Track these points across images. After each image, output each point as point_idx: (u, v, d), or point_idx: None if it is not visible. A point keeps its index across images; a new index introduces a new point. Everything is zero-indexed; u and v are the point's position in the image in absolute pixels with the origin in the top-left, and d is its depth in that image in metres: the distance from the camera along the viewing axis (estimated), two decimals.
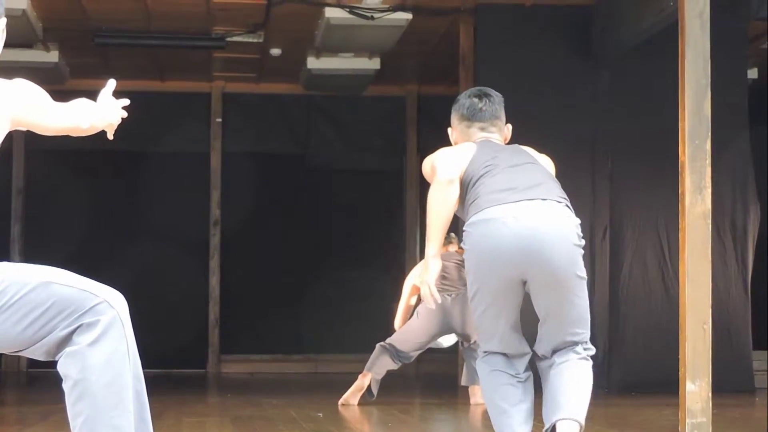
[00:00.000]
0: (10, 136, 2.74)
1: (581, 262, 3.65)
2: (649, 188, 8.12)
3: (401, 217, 11.25)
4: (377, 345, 6.97)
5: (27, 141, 10.51)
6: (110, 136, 2.80)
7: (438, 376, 9.61)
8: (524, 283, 3.65)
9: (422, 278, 3.76)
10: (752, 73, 9.42)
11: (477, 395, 6.96)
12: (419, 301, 6.94)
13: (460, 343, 7.28)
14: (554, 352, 3.72)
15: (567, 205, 3.68)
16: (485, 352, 3.78)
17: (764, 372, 8.75)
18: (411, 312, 7.05)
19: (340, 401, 6.98)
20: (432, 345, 7.03)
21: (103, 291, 2.57)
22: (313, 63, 9.47)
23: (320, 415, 6.33)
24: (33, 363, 9.51)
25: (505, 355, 3.74)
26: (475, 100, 3.95)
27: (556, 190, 3.70)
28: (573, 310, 3.66)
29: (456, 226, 5.87)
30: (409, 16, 8.20)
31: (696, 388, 5.13)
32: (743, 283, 8.31)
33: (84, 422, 2.52)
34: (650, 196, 8.14)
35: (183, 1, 8.16)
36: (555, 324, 3.68)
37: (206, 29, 8.91)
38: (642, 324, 8.18)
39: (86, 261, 9.79)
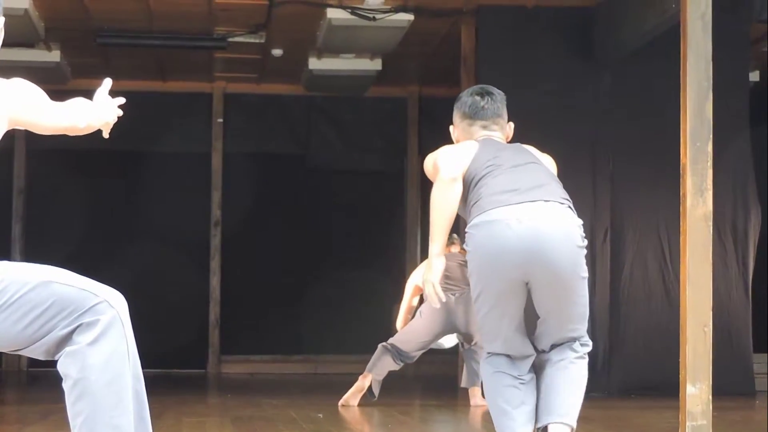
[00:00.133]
0: (11, 135, 2.74)
1: (584, 263, 3.66)
2: (650, 190, 8.11)
3: (402, 218, 11.25)
4: (379, 345, 6.96)
5: (28, 141, 10.51)
6: (106, 135, 2.80)
7: (438, 378, 9.61)
8: (527, 284, 3.65)
9: (426, 277, 3.76)
10: (754, 76, 9.41)
11: (477, 397, 6.95)
12: (421, 301, 6.95)
13: (460, 345, 7.28)
14: (552, 347, 3.73)
15: (569, 207, 3.68)
16: (489, 353, 3.78)
17: (765, 375, 8.75)
18: (413, 313, 7.06)
19: (341, 402, 6.97)
20: (433, 346, 7.02)
21: (103, 291, 2.58)
22: (314, 64, 9.47)
23: (320, 415, 6.33)
24: (33, 362, 9.52)
25: (508, 356, 3.74)
26: (477, 98, 3.95)
27: (559, 191, 3.70)
28: (574, 309, 3.67)
29: (457, 227, 5.86)
30: (410, 17, 8.20)
31: (696, 390, 5.13)
32: (744, 286, 8.31)
33: (84, 422, 2.52)
34: (651, 198, 8.14)
35: (184, 1, 8.16)
36: (555, 322, 3.69)
37: (208, 29, 8.91)
38: (642, 326, 8.18)
39: (87, 261, 9.80)
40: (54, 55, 9.28)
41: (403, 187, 11.27)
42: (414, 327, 6.89)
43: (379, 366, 6.92)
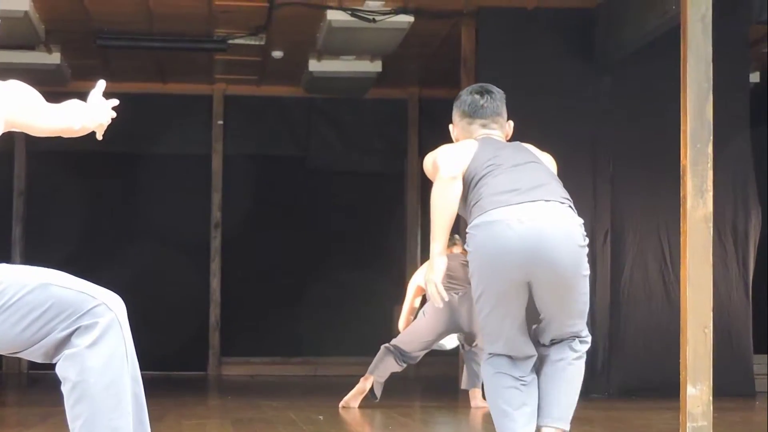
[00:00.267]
0: (11, 137, 2.75)
1: (586, 262, 3.67)
2: (651, 192, 8.12)
3: (402, 220, 11.25)
4: (381, 347, 6.95)
5: (28, 142, 10.51)
6: (99, 137, 2.80)
7: (438, 379, 9.61)
8: (528, 283, 3.65)
9: (428, 277, 3.76)
10: (754, 77, 9.42)
11: (477, 398, 6.95)
12: (424, 301, 6.94)
13: (461, 346, 7.28)
14: (552, 342, 3.73)
15: (570, 206, 3.68)
16: (490, 354, 3.78)
17: (765, 376, 8.75)
18: (415, 313, 7.05)
19: (341, 404, 6.97)
20: (435, 347, 7.02)
21: (101, 293, 2.58)
22: (314, 65, 9.48)
23: (320, 417, 6.33)
24: (33, 365, 9.52)
25: (509, 357, 3.74)
26: (477, 96, 3.95)
27: (559, 190, 3.70)
28: (576, 306, 3.69)
29: (457, 228, 5.86)
30: (410, 18, 8.20)
31: (697, 391, 5.13)
32: (744, 287, 8.31)
33: (83, 424, 2.52)
34: (651, 200, 8.14)
35: (185, 3, 8.16)
36: (557, 319, 3.70)
37: (208, 31, 8.91)
38: (643, 327, 8.18)
39: (87, 262, 9.83)
40: (54, 57, 9.28)
41: (404, 189, 11.27)
42: (417, 327, 6.88)
43: (381, 368, 6.92)
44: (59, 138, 2.83)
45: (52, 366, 2.58)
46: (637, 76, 8.17)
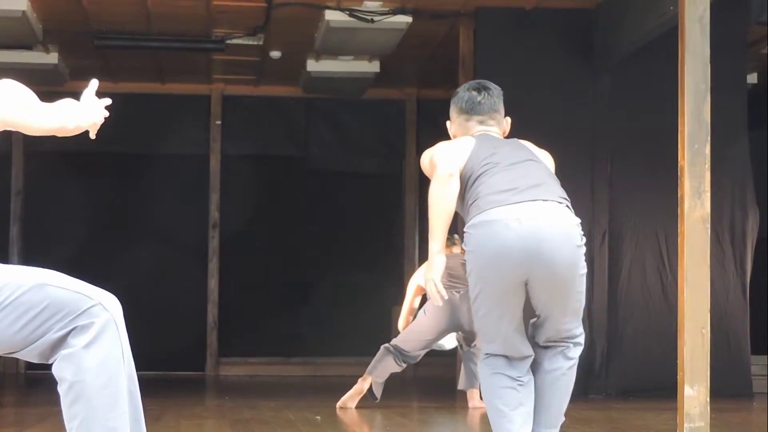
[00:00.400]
0: (8, 137, 2.74)
1: (583, 261, 3.68)
2: (649, 192, 8.12)
3: (400, 221, 11.25)
4: (381, 347, 6.94)
5: (26, 143, 10.51)
6: (92, 136, 2.79)
7: (436, 380, 9.61)
8: (526, 283, 3.65)
9: (427, 275, 3.76)
10: (751, 78, 9.42)
11: (475, 399, 6.95)
12: (423, 301, 6.94)
13: (459, 347, 7.28)
14: (547, 343, 3.74)
15: (568, 206, 3.69)
16: (486, 354, 3.78)
17: (763, 377, 8.76)
18: (414, 313, 7.04)
19: (339, 404, 6.97)
20: (434, 347, 7.01)
21: (97, 293, 2.58)
22: (312, 66, 9.48)
23: (318, 418, 6.33)
24: (31, 365, 9.52)
25: (506, 357, 3.74)
26: (474, 93, 3.95)
27: (557, 189, 3.70)
28: (572, 304, 3.70)
29: (456, 227, 5.86)
30: (409, 19, 8.20)
31: (694, 392, 5.13)
32: (742, 288, 8.32)
33: (80, 424, 2.52)
34: (649, 201, 8.14)
35: (183, 3, 8.16)
36: (553, 318, 3.70)
37: (206, 32, 8.91)
38: (641, 328, 8.18)
39: (85, 262, 9.82)
40: (52, 57, 9.27)
41: (402, 189, 11.26)
42: (418, 326, 6.87)
43: (380, 368, 6.91)
44: (57, 138, 2.82)
45: (50, 366, 2.58)
46: (636, 77, 8.17)
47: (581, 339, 3.78)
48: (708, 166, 5.24)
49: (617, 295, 8.24)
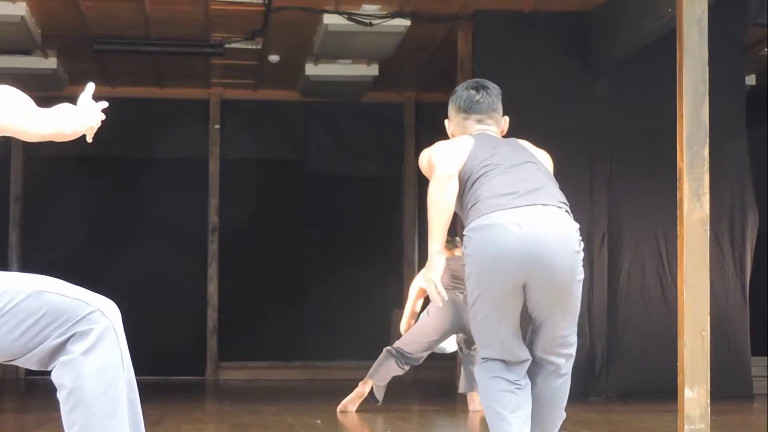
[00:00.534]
0: (7, 142, 2.74)
1: (581, 266, 3.68)
2: (648, 195, 8.12)
3: (399, 224, 11.25)
4: (384, 350, 6.93)
5: (25, 148, 10.50)
6: (90, 139, 2.79)
7: (436, 383, 9.61)
8: (524, 287, 3.65)
9: (427, 276, 3.76)
10: (750, 80, 9.43)
11: (475, 402, 6.95)
12: (426, 304, 6.94)
13: (459, 350, 7.28)
14: (543, 354, 3.73)
15: (567, 210, 3.69)
16: (484, 358, 3.78)
17: (763, 378, 8.76)
18: (416, 317, 7.04)
19: (339, 408, 6.96)
20: (435, 350, 7.00)
21: (96, 300, 2.58)
22: (311, 69, 9.48)
23: (318, 422, 6.32)
24: (31, 370, 9.48)
25: (503, 361, 3.74)
26: (473, 92, 3.95)
27: (556, 194, 3.70)
28: (569, 310, 3.70)
29: (455, 230, 5.86)
30: (407, 22, 8.20)
31: (694, 394, 5.13)
32: (741, 289, 8.32)
33: (79, 431, 2.51)
34: (648, 203, 8.14)
35: (181, 8, 8.16)
36: (549, 324, 3.70)
37: (205, 36, 8.91)
38: (640, 330, 8.18)
39: (84, 267, 9.82)
40: (51, 62, 9.28)
41: (401, 192, 11.26)
42: (421, 327, 6.85)
43: (381, 371, 6.89)
44: (56, 142, 2.82)
45: (50, 372, 2.57)
46: (634, 79, 8.18)
47: (574, 349, 3.78)
48: (707, 168, 5.24)
49: (617, 297, 8.24)
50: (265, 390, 9.57)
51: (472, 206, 3.69)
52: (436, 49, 9.25)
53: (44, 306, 2.53)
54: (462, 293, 6.71)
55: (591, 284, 8.13)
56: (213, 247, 10.95)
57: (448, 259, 6.30)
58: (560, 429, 3.88)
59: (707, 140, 5.26)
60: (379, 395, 6.91)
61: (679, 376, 5.18)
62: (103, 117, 2.77)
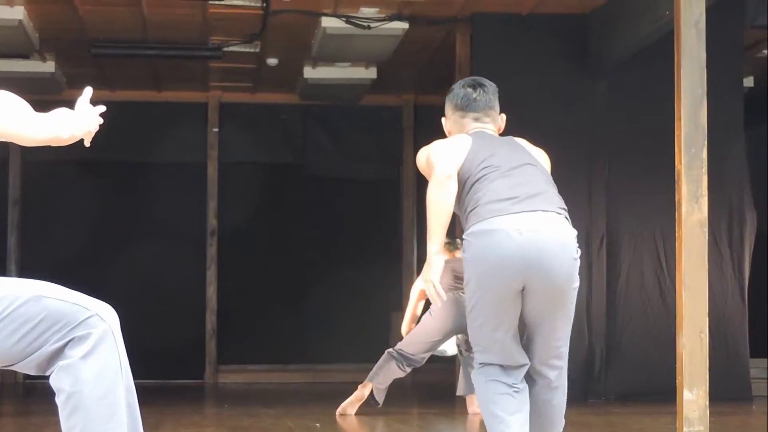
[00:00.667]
0: (5, 146, 2.74)
1: (577, 274, 3.69)
2: (646, 196, 8.12)
3: (398, 226, 11.25)
4: (385, 352, 6.92)
5: (23, 151, 10.50)
6: (87, 144, 2.79)
7: (435, 386, 9.60)
8: (522, 292, 3.65)
9: (426, 276, 3.76)
10: (748, 81, 9.44)
11: (474, 405, 6.94)
12: (427, 306, 6.93)
13: (459, 353, 7.28)
14: (537, 365, 3.73)
15: (566, 217, 3.70)
16: (481, 363, 3.78)
17: (762, 380, 8.76)
18: (417, 320, 7.03)
19: (338, 411, 6.96)
20: (436, 353, 6.99)
21: (94, 304, 2.58)
22: (309, 72, 9.48)
23: (318, 425, 6.32)
24: (29, 374, 9.48)
25: (501, 366, 3.74)
26: (469, 90, 3.95)
27: (556, 199, 3.71)
28: (563, 318, 3.70)
29: (453, 231, 5.86)
30: (405, 25, 8.21)
31: (693, 396, 5.13)
32: (740, 291, 8.32)
33: None
34: (647, 205, 8.15)
35: (179, 11, 8.16)
36: (544, 333, 3.70)
37: (203, 39, 8.91)
38: (639, 332, 8.18)
39: (83, 271, 9.81)
40: (49, 66, 9.28)
41: (399, 195, 11.26)
42: (424, 327, 6.84)
43: (382, 374, 6.88)
44: (54, 146, 2.82)
45: (48, 376, 2.57)
46: (633, 81, 8.19)
47: (565, 362, 3.78)
48: (705, 170, 5.24)
49: (616, 299, 8.24)
50: (265, 393, 9.57)
51: (472, 210, 3.69)
52: (434, 51, 9.26)
53: (43, 311, 2.53)
54: (464, 293, 6.70)
55: (590, 286, 8.13)
56: (212, 251, 10.95)
57: (450, 261, 6.31)
58: None
59: (705, 142, 5.26)
60: (380, 398, 6.91)
61: (678, 377, 5.19)
62: (101, 121, 2.77)
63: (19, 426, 6.82)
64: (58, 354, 2.53)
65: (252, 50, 9.10)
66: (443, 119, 4.03)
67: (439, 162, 3.70)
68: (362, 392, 6.94)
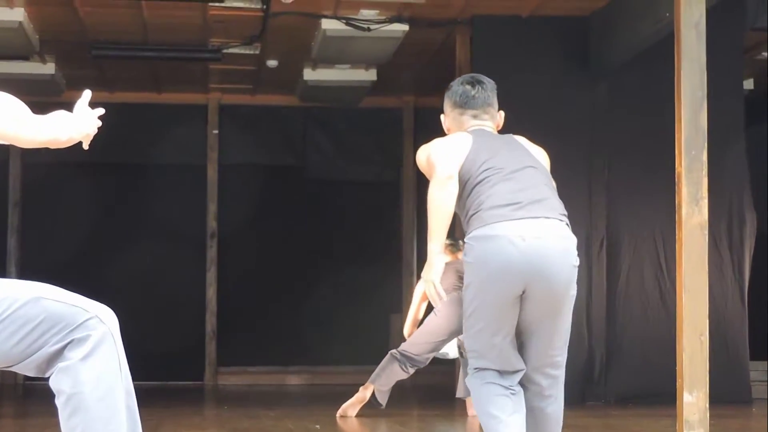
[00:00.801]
0: (6, 147, 2.73)
1: (575, 282, 3.70)
2: (646, 199, 8.12)
3: (398, 229, 11.25)
4: (388, 353, 6.91)
5: (24, 153, 10.50)
6: (86, 147, 2.79)
7: (435, 388, 9.60)
8: (521, 296, 3.66)
9: (426, 276, 3.76)
10: (748, 84, 9.44)
11: (474, 407, 6.93)
12: (429, 308, 6.92)
13: (459, 354, 7.27)
14: (532, 373, 3.73)
15: (567, 224, 3.71)
16: (476, 369, 3.77)
17: (762, 382, 8.75)
18: (419, 323, 7.02)
19: (339, 412, 6.95)
20: (437, 355, 6.98)
21: (93, 306, 2.58)
22: (309, 74, 9.48)
23: (317, 427, 6.32)
24: (30, 376, 9.48)
25: (497, 371, 3.74)
26: (468, 87, 3.95)
27: (557, 206, 3.71)
28: (559, 327, 3.70)
29: (453, 231, 5.85)
30: (405, 27, 8.21)
31: (693, 399, 5.13)
32: (740, 294, 8.32)
33: None
34: (647, 207, 8.15)
35: (179, 13, 8.16)
36: (538, 341, 3.70)
37: (203, 41, 8.92)
38: (639, 335, 8.18)
39: (83, 273, 9.82)
40: (49, 68, 9.28)
41: (400, 197, 11.27)
42: (429, 327, 6.82)
43: (384, 376, 6.87)
44: (53, 148, 2.82)
45: (48, 378, 2.57)
46: (633, 83, 8.19)
47: (561, 372, 3.77)
48: (705, 172, 5.24)
49: (616, 302, 8.24)
50: (264, 395, 9.57)
51: (474, 214, 3.69)
52: (434, 53, 9.26)
53: (42, 312, 2.53)
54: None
55: (590, 288, 8.13)
56: (212, 253, 10.95)
57: (453, 262, 6.31)
58: None
59: (705, 144, 5.26)
60: (383, 399, 6.89)
61: (678, 380, 5.18)
62: (99, 124, 2.76)
63: (19, 427, 6.82)
64: (57, 356, 2.53)
65: (252, 52, 9.10)
66: (442, 116, 4.03)
67: (440, 162, 3.69)
68: (364, 394, 6.93)
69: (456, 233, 6.88)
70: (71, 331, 2.53)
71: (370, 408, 6.92)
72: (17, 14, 7.78)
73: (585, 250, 7.95)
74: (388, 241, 11.25)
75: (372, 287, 10.89)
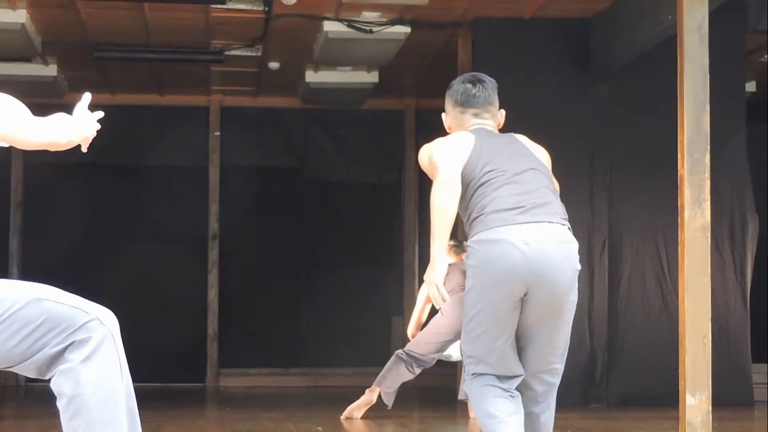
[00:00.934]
0: (8, 149, 2.73)
1: (577, 287, 3.70)
2: (648, 201, 8.12)
3: (399, 231, 11.25)
4: (394, 354, 6.91)
5: (25, 155, 10.51)
6: (84, 150, 2.79)
7: (436, 390, 9.59)
8: (522, 300, 3.66)
9: (428, 278, 3.76)
10: (750, 86, 9.44)
11: None
12: (433, 311, 6.92)
13: (461, 357, 7.26)
14: (527, 375, 3.72)
15: (569, 228, 3.71)
16: (474, 374, 3.77)
17: (764, 385, 8.75)
18: (422, 326, 7.01)
19: (344, 414, 6.94)
20: (441, 357, 6.98)
21: (94, 308, 2.58)
22: (311, 76, 9.48)
23: (319, 429, 6.32)
24: (31, 377, 9.47)
25: (495, 376, 3.74)
26: (469, 86, 3.95)
27: (559, 210, 3.72)
28: (561, 334, 3.70)
29: (455, 232, 5.84)
30: (407, 29, 8.21)
31: (696, 401, 5.12)
32: (742, 296, 8.32)
33: None
34: (649, 209, 8.14)
35: (182, 15, 8.17)
36: (537, 348, 3.70)
37: (205, 43, 8.92)
38: (641, 337, 8.18)
39: (85, 275, 9.82)
40: (51, 70, 9.28)
41: (401, 199, 11.26)
42: (436, 326, 6.81)
43: (390, 378, 6.86)
44: (54, 150, 2.82)
45: (49, 380, 2.57)
46: (635, 85, 8.19)
47: (557, 380, 3.78)
48: (707, 174, 5.24)
49: (617, 304, 8.24)
50: (266, 396, 9.56)
51: (477, 217, 3.69)
52: (436, 56, 9.26)
53: (43, 314, 2.53)
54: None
55: (591, 290, 8.13)
56: (213, 254, 10.95)
57: (458, 264, 6.30)
58: None
59: (708, 147, 5.26)
60: (389, 401, 6.89)
61: (681, 382, 5.18)
62: (99, 127, 2.76)
63: (20, 429, 6.81)
64: (58, 358, 2.53)
65: (254, 54, 9.10)
66: (443, 115, 4.04)
67: (443, 163, 3.69)
68: (370, 396, 6.92)
69: (458, 235, 6.88)
70: (72, 332, 2.53)
71: (374, 410, 6.92)
72: (19, 16, 7.79)
73: (587, 252, 7.95)
74: (390, 243, 11.25)
75: (373, 289, 10.89)
